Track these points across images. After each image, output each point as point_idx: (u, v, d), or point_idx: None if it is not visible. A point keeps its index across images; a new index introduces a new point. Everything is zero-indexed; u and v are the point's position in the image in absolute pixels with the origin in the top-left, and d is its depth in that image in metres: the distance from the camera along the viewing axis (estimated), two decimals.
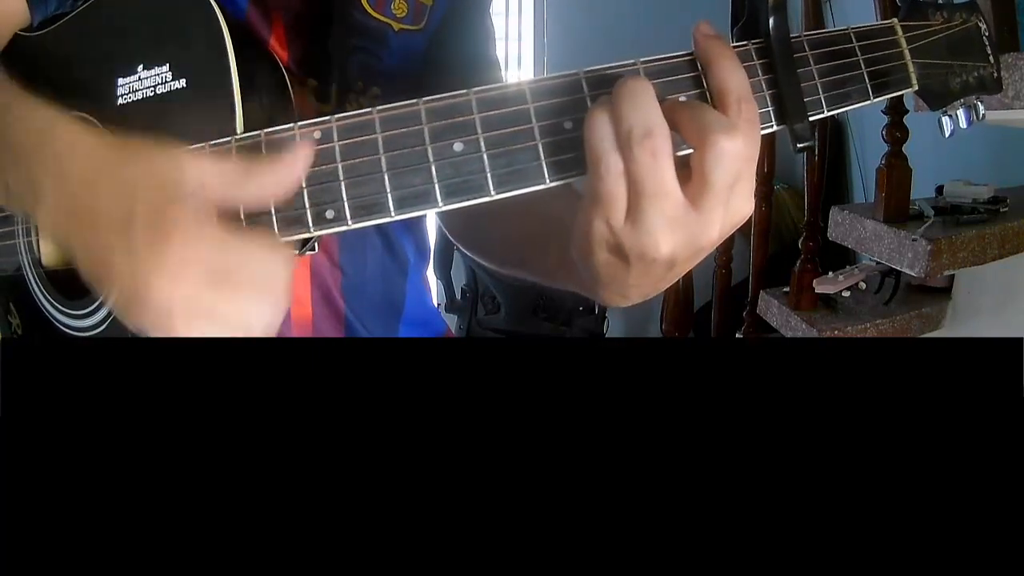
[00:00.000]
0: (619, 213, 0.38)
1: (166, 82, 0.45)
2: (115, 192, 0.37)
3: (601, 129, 0.37)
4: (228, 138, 0.41)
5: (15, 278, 0.55)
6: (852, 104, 0.42)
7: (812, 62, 0.41)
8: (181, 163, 0.38)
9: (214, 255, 0.37)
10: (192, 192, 0.37)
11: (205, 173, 0.38)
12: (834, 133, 2.33)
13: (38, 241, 0.53)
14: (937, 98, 0.46)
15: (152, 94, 0.45)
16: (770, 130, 0.41)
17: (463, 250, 0.70)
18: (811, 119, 0.40)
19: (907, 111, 1.46)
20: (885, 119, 1.49)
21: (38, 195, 0.40)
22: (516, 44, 2.96)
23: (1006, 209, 1.44)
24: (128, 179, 0.37)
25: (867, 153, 2.28)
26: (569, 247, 0.43)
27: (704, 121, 0.37)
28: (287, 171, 0.39)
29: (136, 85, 0.46)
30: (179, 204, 0.37)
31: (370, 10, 0.59)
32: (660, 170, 0.37)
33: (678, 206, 0.38)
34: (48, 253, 0.53)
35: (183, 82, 0.44)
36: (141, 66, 0.46)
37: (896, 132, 1.48)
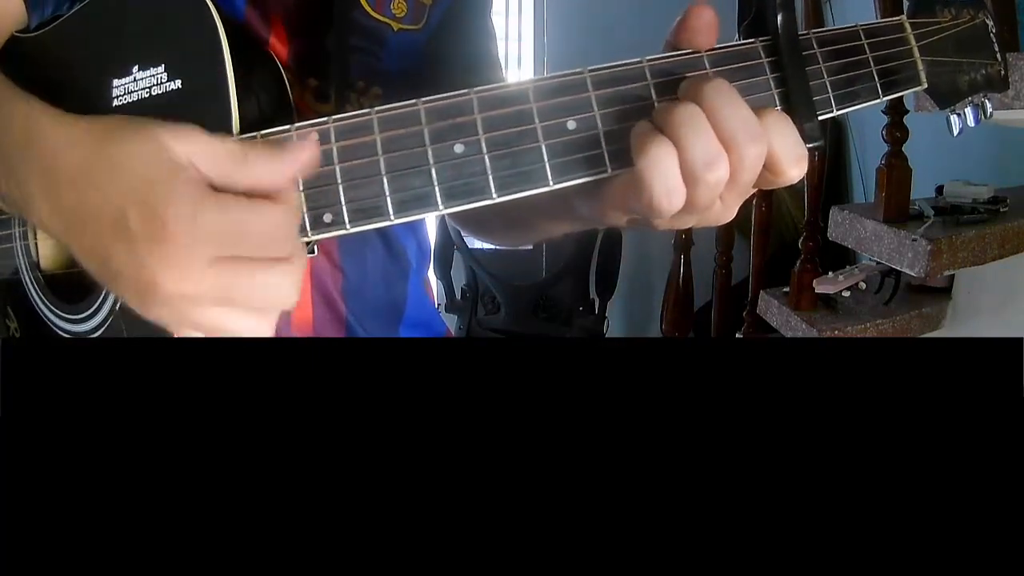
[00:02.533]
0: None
1: (161, 83, 0.44)
2: (103, 188, 0.37)
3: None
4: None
5: (12, 281, 0.54)
6: (861, 103, 0.41)
7: (821, 60, 0.41)
8: (167, 144, 0.37)
9: (217, 232, 0.35)
10: (181, 174, 0.36)
11: (194, 153, 0.37)
12: (834, 133, 2.33)
13: (36, 244, 0.52)
14: (945, 97, 0.45)
15: (147, 95, 0.44)
16: None
17: (451, 224, 0.70)
18: (820, 118, 0.40)
19: (907, 111, 1.46)
20: (885, 119, 1.49)
21: (29, 197, 0.39)
22: (516, 44, 2.96)
23: (1006, 209, 1.44)
24: (114, 171, 0.37)
25: (867, 153, 2.28)
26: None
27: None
28: (285, 160, 0.38)
29: (131, 86, 0.45)
30: (169, 188, 0.36)
31: (370, 10, 0.58)
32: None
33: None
34: (46, 256, 0.53)
35: (178, 83, 0.44)
36: (136, 67, 0.45)
37: (896, 132, 1.48)
